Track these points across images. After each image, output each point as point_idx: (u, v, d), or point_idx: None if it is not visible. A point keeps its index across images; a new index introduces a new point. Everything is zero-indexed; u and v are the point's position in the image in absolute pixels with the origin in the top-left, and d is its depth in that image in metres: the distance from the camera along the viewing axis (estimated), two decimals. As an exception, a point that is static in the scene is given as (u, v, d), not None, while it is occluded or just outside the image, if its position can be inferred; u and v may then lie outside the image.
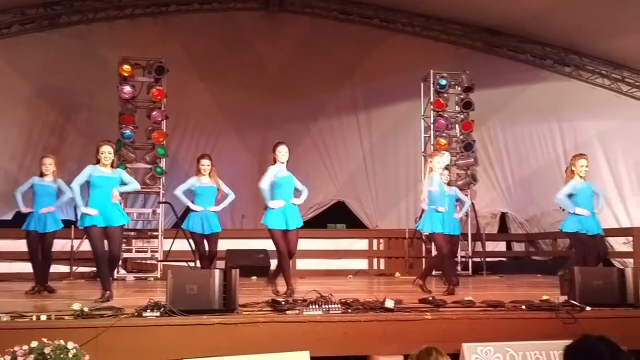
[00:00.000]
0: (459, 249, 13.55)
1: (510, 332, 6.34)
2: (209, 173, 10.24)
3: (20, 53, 15.11)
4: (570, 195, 9.27)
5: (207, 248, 10.19)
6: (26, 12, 15.16)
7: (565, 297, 6.95)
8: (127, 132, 13.48)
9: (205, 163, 10.23)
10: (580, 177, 9.18)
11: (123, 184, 8.38)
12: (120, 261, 13.61)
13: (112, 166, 8.34)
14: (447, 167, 12.06)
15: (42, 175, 9.82)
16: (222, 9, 16.47)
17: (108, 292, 7.83)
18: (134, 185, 8.52)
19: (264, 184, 8.81)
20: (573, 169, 9.26)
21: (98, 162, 8.20)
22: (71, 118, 15.73)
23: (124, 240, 13.95)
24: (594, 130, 15.78)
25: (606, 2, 13.16)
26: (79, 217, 13.02)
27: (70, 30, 15.61)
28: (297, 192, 9.12)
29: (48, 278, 9.89)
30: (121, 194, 8.23)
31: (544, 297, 7.20)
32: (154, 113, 13.78)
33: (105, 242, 8.07)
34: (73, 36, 15.52)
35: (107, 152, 8.18)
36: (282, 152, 8.84)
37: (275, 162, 8.91)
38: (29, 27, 15.37)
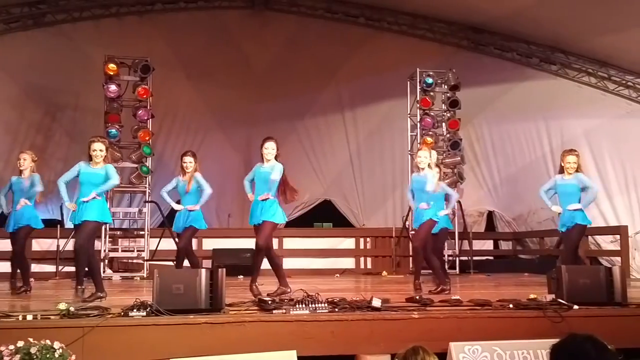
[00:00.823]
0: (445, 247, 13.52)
1: (497, 331, 6.35)
2: (193, 170, 10.01)
3: (6, 52, 14.99)
4: (554, 192, 9.38)
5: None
6: (11, 11, 15.06)
7: (553, 296, 6.98)
8: (113, 131, 13.44)
9: (187, 160, 9.96)
10: (569, 173, 9.18)
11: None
12: (107, 260, 13.59)
13: (105, 162, 8.11)
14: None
15: (20, 172, 9.65)
16: (208, 8, 16.44)
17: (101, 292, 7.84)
18: (110, 182, 8.08)
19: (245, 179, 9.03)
20: (562, 164, 9.28)
21: (91, 158, 8.08)
22: (57, 117, 15.66)
23: (110, 239, 13.93)
24: (580, 129, 15.76)
25: (591, 0, 13.17)
26: (65, 216, 12.91)
27: (56, 29, 15.53)
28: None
29: (16, 277, 9.70)
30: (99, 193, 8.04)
31: (532, 296, 7.23)
32: (139, 112, 13.73)
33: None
34: (59, 35, 15.43)
35: (98, 149, 8.01)
36: (269, 148, 8.67)
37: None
38: (14, 26, 15.28)
